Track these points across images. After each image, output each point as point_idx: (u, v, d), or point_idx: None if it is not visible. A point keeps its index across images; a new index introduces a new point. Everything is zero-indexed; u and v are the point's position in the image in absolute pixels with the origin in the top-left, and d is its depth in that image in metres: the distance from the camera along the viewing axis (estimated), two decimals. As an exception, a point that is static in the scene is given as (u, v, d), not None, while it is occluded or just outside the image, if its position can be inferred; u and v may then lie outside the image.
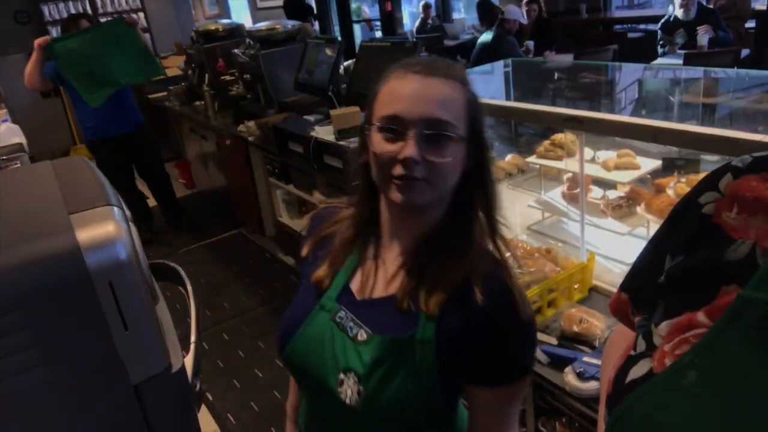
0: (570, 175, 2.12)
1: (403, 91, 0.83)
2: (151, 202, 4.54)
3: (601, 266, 1.82)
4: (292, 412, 1.15)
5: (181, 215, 4.61)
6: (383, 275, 0.92)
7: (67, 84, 3.78)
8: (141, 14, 7.00)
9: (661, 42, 5.11)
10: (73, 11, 6.47)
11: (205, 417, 2.58)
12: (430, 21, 8.04)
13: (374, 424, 0.87)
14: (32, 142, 3.43)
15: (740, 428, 0.45)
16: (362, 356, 0.85)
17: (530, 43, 5.42)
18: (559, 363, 1.44)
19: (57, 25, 6.35)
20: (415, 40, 3.38)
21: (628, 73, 3.29)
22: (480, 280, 0.84)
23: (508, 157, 2.53)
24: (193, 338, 1.10)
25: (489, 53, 4.86)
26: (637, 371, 0.53)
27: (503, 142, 2.80)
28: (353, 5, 8.35)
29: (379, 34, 8.29)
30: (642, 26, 7.11)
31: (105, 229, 0.82)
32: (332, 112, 2.76)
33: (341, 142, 2.65)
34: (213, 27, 4.49)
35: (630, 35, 6.64)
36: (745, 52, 4.71)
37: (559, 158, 2.16)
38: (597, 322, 1.53)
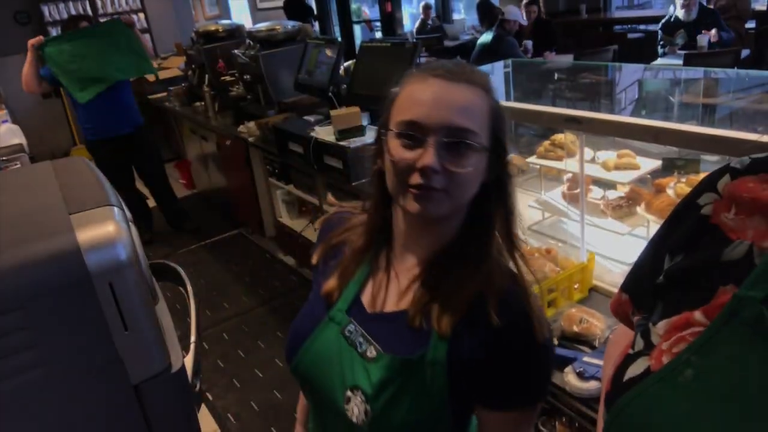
0: (570, 175, 2.12)
1: (423, 96, 0.79)
2: (151, 202, 4.54)
3: (601, 266, 1.82)
4: (302, 416, 1.13)
5: (183, 219, 4.58)
6: (395, 288, 0.89)
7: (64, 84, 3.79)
8: (141, 15, 7.01)
9: (661, 42, 5.11)
10: (73, 12, 6.48)
11: (205, 417, 2.58)
12: (430, 22, 8.05)
13: None
14: (32, 143, 3.44)
15: (736, 425, 0.46)
16: (371, 375, 0.82)
17: (528, 43, 5.43)
18: (559, 363, 1.44)
19: (57, 26, 6.36)
20: (415, 40, 3.38)
21: (628, 74, 3.29)
22: (496, 298, 0.80)
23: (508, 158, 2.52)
24: (193, 338, 1.11)
25: (489, 54, 4.86)
26: (634, 369, 0.54)
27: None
28: (353, 6, 8.35)
29: (379, 34, 8.29)
30: (642, 27, 7.11)
31: (105, 229, 0.82)
32: (332, 113, 2.76)
33: (341, 143, 2.65)
34: (213, 28, 4.49)
35: (630, 36, 6.65)
36: (745, 52, 4.71)
37: (559, 158, 2.16)
38: (597, 322, 1.53)
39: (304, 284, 3.60)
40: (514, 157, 2.53)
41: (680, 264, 0.57)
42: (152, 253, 4.17)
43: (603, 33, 7.07)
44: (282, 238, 3.87)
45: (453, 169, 0.77)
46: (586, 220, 1.86)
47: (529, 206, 2.21)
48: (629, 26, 7.37)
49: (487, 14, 5.53)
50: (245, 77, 3.97)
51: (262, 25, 3.88)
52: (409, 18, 9.61)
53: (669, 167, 1.81)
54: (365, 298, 0.90)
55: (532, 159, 2.29)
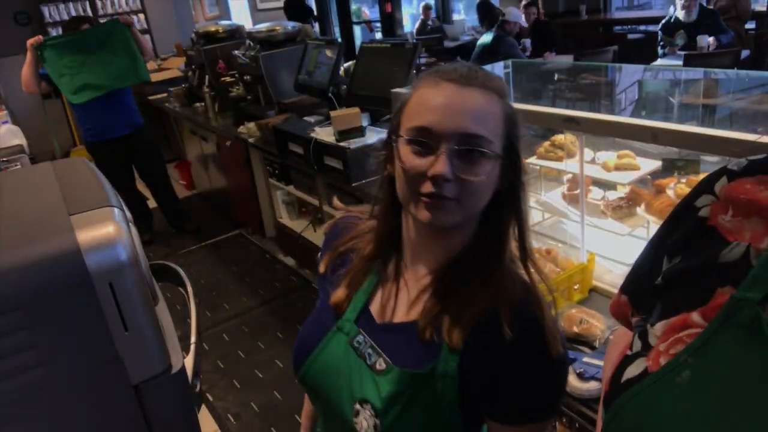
0: (570, 176, 2.12)
1: (435, 101, 0.76)
2: (152, 203, 4.55)
3: (601, 267, 1.82)
4: (307, 422, 1.11)
5: (183, 219, 4.58)
6: (405, 298, 0.86)
7: None
8: (141, 15, 7.01)
9: (661, 43, 5.11)
10: (73, 12, 6.49)
11: (205, 417, 2.58)
12: (430, 22, 8.05)
13: None
14: (32, 144, 3.44)
15: (733, 426, 0.46)
16: (380, 388, 0.80)
17: (527, 41, 5.43)
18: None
19: (57, 27, 6.36)
20: (415, 41, 3.39)
21: (627, 74, 3.29)
22: (508, 309, 0.77)
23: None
24: (193, 339, 1.10)
25: (489, 54, 4.87)
26: (632, 370, 0.54)
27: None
28: (353, 7, 8.35)
29: (379, 35, 8.29)
30: (642, 27, 7.11)
31: (105, 230, 0.82)
32: (332, 114, 2.77)
33: (341, 144, 2.66)
34: (213, 28, 4.50)
35: (630, 36, 6.66)
36: (745, 53, 4.71)
37: (559, 159, 2.16)
38: (597, 323, 1.54)
39: (304, 285, 3.60)
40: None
41: (678, 266, 0.57)
42: (152, 253, 4.18)
43: (603, 34, 7.08)
44: (282, 239, 3.88)
45: (465, 178, 0.75)
46: (586, 220, 1.86)
47: (529, 207, 2.21)
48: (629, 27, 7.37)
49: (487, 15, 5.54)
50: (245, 78, 3.97)
51: (262, 26, 3.88)
52: (409, 19, 9.61)
53: (669, 168, 1.81)
54: (374, 308, 0.88)
55: (532, 160, 2.29)
